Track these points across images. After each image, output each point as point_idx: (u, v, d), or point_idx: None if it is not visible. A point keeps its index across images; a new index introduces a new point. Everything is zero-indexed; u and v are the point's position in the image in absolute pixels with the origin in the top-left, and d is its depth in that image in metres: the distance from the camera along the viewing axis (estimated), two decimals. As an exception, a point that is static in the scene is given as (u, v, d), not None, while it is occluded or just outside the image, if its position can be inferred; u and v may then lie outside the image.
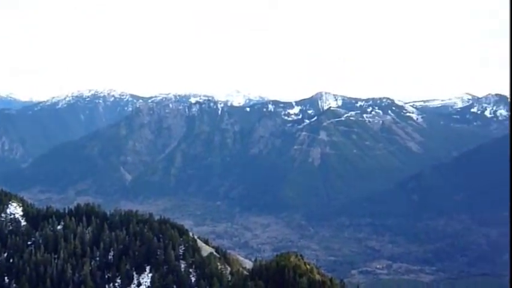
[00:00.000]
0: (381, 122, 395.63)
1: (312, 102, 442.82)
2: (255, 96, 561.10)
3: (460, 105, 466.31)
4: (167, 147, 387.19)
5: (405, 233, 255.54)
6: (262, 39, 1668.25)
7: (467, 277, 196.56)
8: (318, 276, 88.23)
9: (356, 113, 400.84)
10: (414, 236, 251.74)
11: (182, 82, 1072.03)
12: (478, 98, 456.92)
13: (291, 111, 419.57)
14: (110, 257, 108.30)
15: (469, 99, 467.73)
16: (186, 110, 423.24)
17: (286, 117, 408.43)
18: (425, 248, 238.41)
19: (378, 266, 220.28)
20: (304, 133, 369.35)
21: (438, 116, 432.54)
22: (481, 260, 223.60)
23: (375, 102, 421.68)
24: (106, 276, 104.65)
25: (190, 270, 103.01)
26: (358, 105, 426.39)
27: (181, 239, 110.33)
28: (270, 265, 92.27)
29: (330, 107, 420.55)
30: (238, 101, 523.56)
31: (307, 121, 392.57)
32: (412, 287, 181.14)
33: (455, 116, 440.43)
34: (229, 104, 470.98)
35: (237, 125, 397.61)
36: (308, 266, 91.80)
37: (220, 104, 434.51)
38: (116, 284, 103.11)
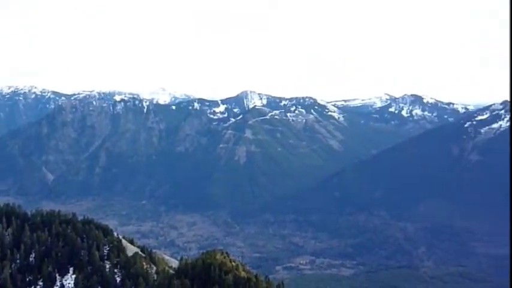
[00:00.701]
0: (304, 120, 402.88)
1: (237, 100, 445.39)
2: (181, 94, 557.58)
3: (379, 105, 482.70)
4: (91, 146, 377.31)
5: (327, 229, 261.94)
6: (179, 36, 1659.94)
7: (385, 270, 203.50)
8: (243, 273, 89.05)
9: (280, 112, 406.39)
10: (336, 231, 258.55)
11: (106, 80, 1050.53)
12: (396, 98, 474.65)
13: (217, 110, 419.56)
14: (31, 259, 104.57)
15: (387, 99, 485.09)
16: (111, 107, 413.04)
17: (212, 116, 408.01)
18: (346, 242, 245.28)
19: (301, 262, 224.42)
20: (230, 131, 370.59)
21: (358, 115, 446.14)
22: (399, 253, 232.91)
23: (298, 102, 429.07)
24: (27, 279, 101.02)
25: (115, 270, 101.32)
26: (282, 104, 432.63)
27: (105, 239, 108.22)
28: (196, 263, 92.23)
29: (255, 105, 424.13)
30: (163, 99, 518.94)
31: (232, 119, 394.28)
32: (334, 281, 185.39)
33: (374, 115, 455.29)
34: (154, 102, 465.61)
35: (162, 123, 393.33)
36: (234, 263, 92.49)
37: (146, 102, 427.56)
38: (38, 287, 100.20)
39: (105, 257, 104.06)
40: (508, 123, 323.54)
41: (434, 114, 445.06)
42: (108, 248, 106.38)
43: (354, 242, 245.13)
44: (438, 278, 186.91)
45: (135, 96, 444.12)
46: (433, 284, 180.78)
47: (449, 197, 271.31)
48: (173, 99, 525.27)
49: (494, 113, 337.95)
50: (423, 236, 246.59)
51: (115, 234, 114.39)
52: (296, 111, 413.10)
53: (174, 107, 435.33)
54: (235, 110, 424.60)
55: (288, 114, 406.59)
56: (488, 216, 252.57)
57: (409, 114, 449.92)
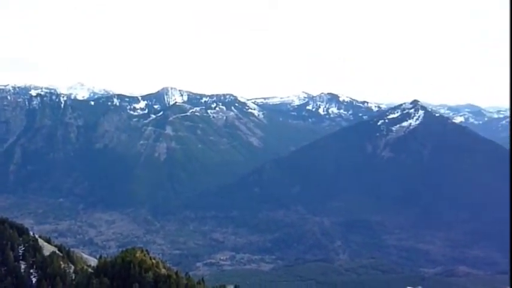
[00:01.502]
0: (224, 117, 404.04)
1: (158, 97, 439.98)
2: (100, 89, 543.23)
3: (297, 102, 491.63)
4: (5, 142, 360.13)
5: (247, 225, 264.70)
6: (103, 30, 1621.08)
7: (303, 263, 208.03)
8: (163, 271, 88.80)
9: (201, 109, 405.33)
10: (255, 227, 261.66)
11: (22, 74, 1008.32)
12: (313, 96, 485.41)
13: (137, 106, 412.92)
14: None
15: (305, 97, 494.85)
16: (26, 102, 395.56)
17: (132, 112, 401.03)
18: (265, 238, 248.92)
19: (221, 258, 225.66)
20: (150, 128, 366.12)
21: (277, 113, 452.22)
22: (315, 247, 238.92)
23: (219, 99, 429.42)
24: None
25: (31, 270, 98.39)
26: (202, 101, 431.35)
27: (20, 239, 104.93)
28: (115, 261, 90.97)
29: (176, 102, 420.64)
30: (82, 94, 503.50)
31: (153, 116, 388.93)
32: (254, 276, 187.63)
33: (292, 113, 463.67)
34: (72, 97, 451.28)
35: (80, 119, 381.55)
36: (154, 261, 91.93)
37: (63, 97, 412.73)
38: None
39: (20, 257, 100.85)
40: (417, 122, 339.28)
41: (350, 112, 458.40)
42: (23, 248, 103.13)
43: (272, 237, 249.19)
44: (352, 270, 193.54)
45: (52, 91, 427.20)
46: (348, 276, 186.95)
47: (363, 192, 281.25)
48: (92, 94, 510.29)
49: (404, 112, 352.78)
50: (339, 230, 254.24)
51: (31, 233, 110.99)
52: (217, 108, 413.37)
53: (92, 103, 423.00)
54: (155, 107, 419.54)
55: (209, 111, 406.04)
56: (398, 210, 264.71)
57: (325, 112, 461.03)
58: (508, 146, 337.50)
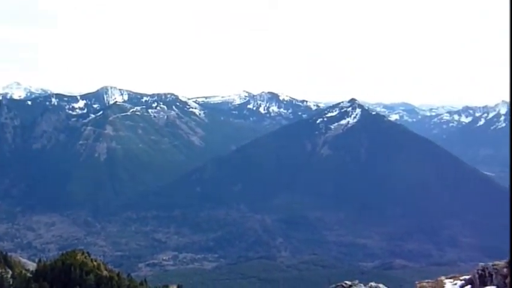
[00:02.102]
0: (165, 117, 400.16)
1: (97, 96, 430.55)
2: (37, 89, 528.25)
3: (238, 101, 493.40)
4: None
5: (189, 224, 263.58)
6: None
7: (245, 261, 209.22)
8: (105, 272, 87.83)
9: (142, 108, 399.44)
10: (198, 226, 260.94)
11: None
12: (254, 95, 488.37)
13: (76, 105, 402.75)
14: None
15: (246, 96, 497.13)
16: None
17: (70, 112, 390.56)
18: (208, 236, 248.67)
19: (164, 258, 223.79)
20: (89, 128, 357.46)
21: (219, 112, 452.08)
22: (257, 244, 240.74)
23: (160, 98, 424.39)
24: None
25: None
26: (143, 100, 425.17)
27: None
28: (55, 265, 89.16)
29: (116, 101, 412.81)
30: (18, 93, 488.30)
31: (92, 115, 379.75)
32: (197, 276, 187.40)
33: (233, 112, 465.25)
34: (8, 96, 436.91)
35: (17, 119, 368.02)
36: (95, 263, 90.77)
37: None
38: None
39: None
40: (355, 120, 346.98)
41: (290, 111, 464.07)
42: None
43: (215, 235, 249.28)
44: (294, 267, 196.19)
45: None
46: (289, 272, 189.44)
47: (304, 189, 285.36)
48: (29, 94, 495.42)
49: (342, 110, 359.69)
50: (280, 227, 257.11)
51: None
52: (158, 108, 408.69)
53: (29, 102, 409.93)
54: (95, 106, 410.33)
55: (150, 111, 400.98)
56: (338, 207, 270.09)
57: (266, 111, 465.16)
58: (440, 143, 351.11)
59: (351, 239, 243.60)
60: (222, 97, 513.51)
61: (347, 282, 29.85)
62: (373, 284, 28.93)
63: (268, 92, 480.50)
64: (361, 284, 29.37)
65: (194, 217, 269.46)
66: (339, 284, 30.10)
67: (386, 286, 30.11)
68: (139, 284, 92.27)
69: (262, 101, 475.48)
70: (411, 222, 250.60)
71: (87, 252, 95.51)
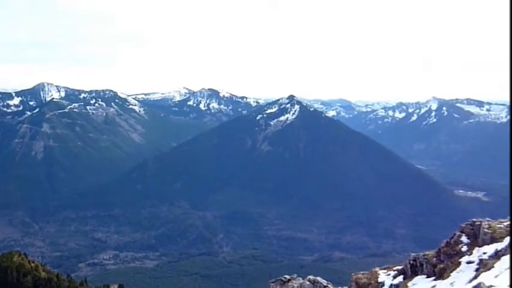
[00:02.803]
0: (104, 114, 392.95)
1: (33, 93, 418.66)
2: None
3: (178, 98, 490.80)
4: None
5: (130, 222, 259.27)
6: None
7: (187, 258, 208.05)
8: (43, 274, 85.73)
9: (79, 105, 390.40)
10: (139, 224, 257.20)
11: None
12: (194, 92, 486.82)
13: (11, 103, 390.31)
14: None
15: (186, 93, 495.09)
16: None
17: (5, 109, 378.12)
18: (149, 234, 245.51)
19: (104, 257, 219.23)
20: (25, 125, 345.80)
21: (159, 109, 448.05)
22: (199, 241, 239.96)
23: (98, 95, 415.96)
24: None
25: None
26: (81, 97, 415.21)
27: None
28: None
29: (53, 98, 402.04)
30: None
31: (28, 113, 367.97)
32: (138, 274, 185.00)
33: (174, 109, 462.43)
34: None
35: None
36: (33, 264, 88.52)
37: None
38: None
39: None
40: (294, 116, 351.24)
41: (230, 107, 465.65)
42: None
43: (156, 233, 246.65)
44: (235, 262, 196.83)
45: None
46: (231, 267, 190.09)
47: (244, 185, 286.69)
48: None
49: (282, 107, 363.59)
50: (221, 223, 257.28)
51: None
52: (96, 104, 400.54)
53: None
54: (31, 103, 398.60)
55: (88, 107, 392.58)
56: (278, 202, 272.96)
57: (206, 108, 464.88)
58: (375, 138, 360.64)
59: (291, 233, 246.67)
60: (162, 94, 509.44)
61: (286, 276, 30.57)
62: (311, 277, 29.75)
63: (209, 89, 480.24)
64: (300, 278, 30.14)
65: (135, 215, 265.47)
66: (277, 278, 30.77)
67: (324, 278, 30.95)
68: (79, 285, 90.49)
69: (203, 97, 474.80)
70: (349, 215, 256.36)
71: (25, 254, 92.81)
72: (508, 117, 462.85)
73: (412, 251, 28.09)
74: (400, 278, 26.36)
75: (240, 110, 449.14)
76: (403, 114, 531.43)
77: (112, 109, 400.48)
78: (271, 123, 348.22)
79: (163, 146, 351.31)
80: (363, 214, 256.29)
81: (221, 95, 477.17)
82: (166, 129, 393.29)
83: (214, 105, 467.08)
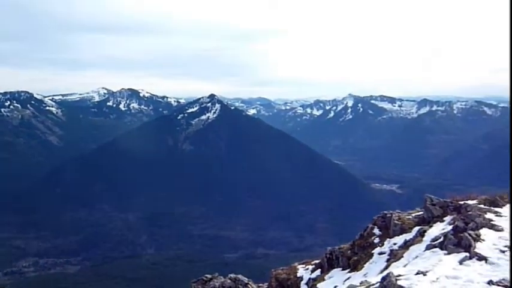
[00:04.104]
0: (19, 116, 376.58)
1: None
2: None
3: (97, 99, 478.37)
4: None
5: (50, 228, 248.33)
6: None
7: (110, 262, 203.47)
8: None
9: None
10: (59, 229, 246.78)
11: None
12: (113, 92, 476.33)
13: None
14: None
15: (105, 93, 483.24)
16: None
17: None
18: (70, 239, 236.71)
19: (24, 265, 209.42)
20: None
21: (77, 110, 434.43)
22: (122, 244, 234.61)
23: (13, 96, 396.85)
24: None
25: None
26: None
27: None
28: None
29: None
30: None
31: None
32: (59, 281, 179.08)
33: (93, 110, 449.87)
34: None
35: None
36: None
37: None
38: None
39: None
40: (215, 115, 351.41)
41: (151, 107, 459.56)
42: None
43: (78, 238, 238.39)
44: (159, 264, 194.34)
45: None
46: (155, 269, 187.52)
47: (167, 185, 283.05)
48: None
49: (202, 106, 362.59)
50: (144, 224, 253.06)
51: None
52: (11, 107, 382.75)
53: None
54: None
55: (2, 110, 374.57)
56: (202, 201, 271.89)
57: (126, 108, 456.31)
58: (294, 135, 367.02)
59: (215, 231, 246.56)
60: (80, 94, 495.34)
61: (207, 276, 30.75)
62: (232, 275, 30.10)
63: (128, 89, 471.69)
64: (221, 277, 30.41)
65: (55, 220, 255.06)
66: (199, 278, 30.89)
67: (248, 276, 31.39)
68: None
69: (122, 98, 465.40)
70: (271, 211, 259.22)
71: None
72: (418, 112, 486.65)
73: (333, 244, 28.97)
74: (318, 272, 27.20)
75: (160, 109, 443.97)
76: (320, 112, 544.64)
77: (28, 111, 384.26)
78: (193, 122, 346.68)
79: (83, 148, 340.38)
80: (285, 210, 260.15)
81: (141, 95, 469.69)
82: (85, 131, 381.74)
83: (134, 105, 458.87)
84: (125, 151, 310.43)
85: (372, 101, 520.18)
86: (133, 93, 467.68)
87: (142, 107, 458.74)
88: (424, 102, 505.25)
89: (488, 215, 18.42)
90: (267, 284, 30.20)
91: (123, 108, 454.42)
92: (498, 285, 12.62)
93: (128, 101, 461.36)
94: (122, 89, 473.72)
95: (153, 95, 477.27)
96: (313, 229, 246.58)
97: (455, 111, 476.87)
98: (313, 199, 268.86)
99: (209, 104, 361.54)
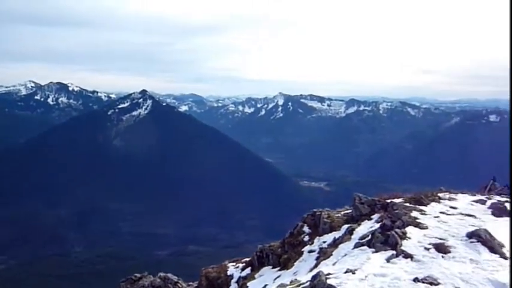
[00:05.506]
0: None
1: None
2: None
3: (24, 92, 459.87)
4: None
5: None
6: None
7: (39, 259, 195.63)
8: None
9: None
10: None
11: None
12: (41, 86, 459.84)
13: None
14: None
15: (32, 86, 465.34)
16: None
17: None
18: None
19: None
20: None
21: (2, 103, 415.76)
22: (53, 241, 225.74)
23: None
24: None
25: None
26: None
27: None
28: None
29: None
30: None
31: None
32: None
33: (19, 103, 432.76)
34: None
35: None
36: None
37: None
38: None
39: None
40: (146, 111, 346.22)
41: (80, 102, 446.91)
42: None
43: (5, 235, 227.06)
44: (89, 261, 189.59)
45: None
46: (84, 267, 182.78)
47: (98, 182, 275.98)
48: None
49: (134, 102, 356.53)
50: (75, 221, 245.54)
51: None
52: None
53: None
54: None
55: None
56: (133, 197, 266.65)
57: (55, 102, 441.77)
58: (226, 132, 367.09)
59: (147, 229, 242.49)
60: (6, 87, 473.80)
61: (136, 275, 30.05)
62: (161, 274, 29.56)
63: (57, 83, 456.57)
64: (150, 276, 29.80)
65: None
66: (128, 277, 30.16)
67: (178, 274, 30.97)
68: None
69: (51, 92, 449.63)
70: (203, 208, 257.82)
71: None
72: (347, 111, 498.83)
73: (263, 241, 28.95)
74: (248, 270, 27.05)
75: (91, 104, 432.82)
76: (252, 109, 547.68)
77: None
78: (124, 118, 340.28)
79: (10, 143, 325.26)
80: (216, 207, 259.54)
81: (70, 89, 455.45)
82: (11, 125, 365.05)
83: (63, 99, 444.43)
84: (54, 146, 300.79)
85: (302, 100, 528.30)
86: (62, 87, 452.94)
87: (72, 101, 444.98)
88: (352, 102, 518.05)
89: (414, 213, 18.83)
90: (197, 282, 29.80)
91: (52, 103, 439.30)
92: (423, 282, 12.85)
93: (56, 95, 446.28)
94: (51, 82, 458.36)
95: (83, 89, 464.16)
96: (244, 226, 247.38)
97: (381, 111, 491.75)
98: (244, 196, 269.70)
99: (140, 100, 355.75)
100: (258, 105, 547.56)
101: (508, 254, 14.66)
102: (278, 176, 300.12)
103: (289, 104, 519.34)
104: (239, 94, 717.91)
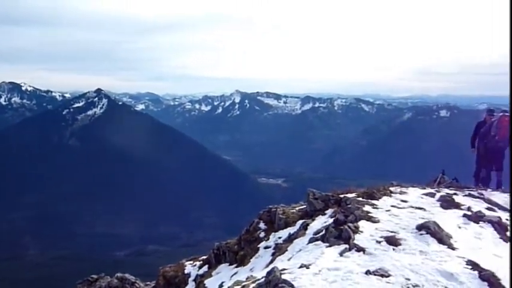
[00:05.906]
0: None
1: None
2: None
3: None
4: None
5: None
6: None
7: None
8: None
9: None
10: None
11: None
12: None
13: None
14: None
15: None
16: None
17: None
18: None
19: None
20: None
21: None
22: (5, 245, 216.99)
23: None
24: None
25: None
26: None
27: None
28: None
29: None
30: None
31: None
32: None
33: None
34: None
35: None
36: None
37: None
38: None
39: None
40: (102, 110, 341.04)
41: (34, 102, 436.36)
42: None
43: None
44: (43, 264, 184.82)
45: None
46: (39, 270, 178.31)
47: (54, 183, 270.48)
48: None
49: (89, 101, 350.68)
50: (30, 225, 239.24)
51: None
52: None
53: None
54: None
55: None
56: (92, 198, 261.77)
57: (7, 103, 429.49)
58: (184, 130, 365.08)
59: (104, 229, 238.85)
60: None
61: (93, 276, 29.61)
62: (119, 274, 29.20)
63: (9, 82, 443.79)
64: (108, 277, 29.41)
65: None
66: (85, 279, 29.70)
67: (136, 273, 30.67)
68: None
69: (3, 91, 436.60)
70: (162, 207, 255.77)
71: None
72: (302, 108, 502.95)
73: (222, 238, 28.83)
74: (205, 268, 26.92)
75: (45, 104, 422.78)
76: (209, 107, 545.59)
77: None
78: (79, 117, 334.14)
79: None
80: (175, 205, 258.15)
81: (23, 88, 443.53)
82: None
83: (16, 99, 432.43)
84: (6, 148, 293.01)
85: (258, 97, 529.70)
86: (14, 87, 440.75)
87: (25, 101, 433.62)
88: (307, 99, 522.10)
89: (366, 208, 19.04)
90: (154, 282, 29.55)
91: (4, 103, 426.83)
92: (375, 274, 13.02)
93: (8, 95, 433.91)
94: (3, 82, 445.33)
95: (37, 89, 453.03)
96: (202, 224, 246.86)
97: (336, 108, 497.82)
98: (203, 194, 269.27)
99: (96, 99, 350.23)
100: (215, 103, 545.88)
101: (455, 245, 15.06)
102: (236, 173, 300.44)
103: (246, 101, 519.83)
104: (196, 92, 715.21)
